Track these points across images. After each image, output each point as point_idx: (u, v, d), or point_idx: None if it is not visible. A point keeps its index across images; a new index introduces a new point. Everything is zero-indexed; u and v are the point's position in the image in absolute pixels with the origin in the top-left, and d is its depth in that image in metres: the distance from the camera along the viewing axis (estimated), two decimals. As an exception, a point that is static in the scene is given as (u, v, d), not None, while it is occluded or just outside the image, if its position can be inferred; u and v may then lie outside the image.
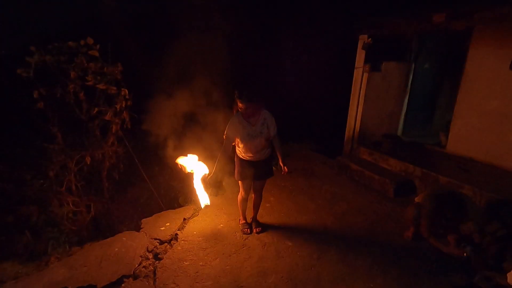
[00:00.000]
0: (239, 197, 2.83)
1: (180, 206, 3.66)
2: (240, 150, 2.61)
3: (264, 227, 2.96)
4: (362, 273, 2.36)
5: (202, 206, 2.80)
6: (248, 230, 2.90)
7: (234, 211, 3.24)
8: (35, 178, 3.75)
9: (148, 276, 2.31)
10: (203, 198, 2.75)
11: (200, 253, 2.60)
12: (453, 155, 4.15)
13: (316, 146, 5.41)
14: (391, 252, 2.62)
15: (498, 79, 3.66)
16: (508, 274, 1.68)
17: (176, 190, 4.23)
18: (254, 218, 2.98)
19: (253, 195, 2.86)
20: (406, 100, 4.99)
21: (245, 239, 2.80)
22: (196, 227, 3.01)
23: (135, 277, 2.32)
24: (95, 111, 3.52)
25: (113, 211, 3.73)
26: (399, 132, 5.07)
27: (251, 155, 2.58)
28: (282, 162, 2.61)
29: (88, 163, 3.61)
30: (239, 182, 2.74)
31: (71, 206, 3.38)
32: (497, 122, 3.74)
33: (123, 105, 3.66)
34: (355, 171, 4.24)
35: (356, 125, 4.74)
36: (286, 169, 2.60)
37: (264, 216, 3.17)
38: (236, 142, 2.57)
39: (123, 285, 2.24)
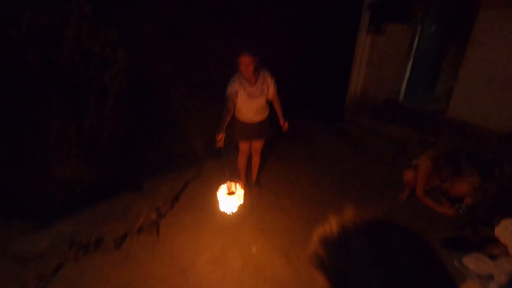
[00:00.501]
0: (239, 158, 2.90)
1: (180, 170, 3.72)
2: (240, 112, 2.61)
3: (263, 187, 3.04)
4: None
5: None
6: (248, 189, 2.99)
7: (235, 175, 3.31)
8: (35, 142, 3.78)
9: (151, 231, 2.42)
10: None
11: (202, 213, 2.69)
12: (453, 121, 4.14)
13: (316, 113, 5.38)
14: (385, 210, 2.72)
15: (505, 42, 3.55)
16: (496, 228, 1.76)
17: (176, 156, 4.28)
18: (255, 179, 3.07)
19: (253, 156, 2.90)
20: (409, 65, 4.86)
21: (245, 200, 2.89)
22: (197, 189, 3.10)
23: (139, 231, 2.43)
24: (91, 75, 3.46)
25: (115, 174, 3.81)
26: (401, 97, 5.00)
27: (250, 116, 2.59)
28: (283, 120, 2.65)
29: (88, 128, 3.62)
30: (239, 143, 2.77)
31: (73, 169, 3.45)
32: (500, 87, 3.69)
33: (120, 68, 3.59)
34: (354, 137, 4.26)
35: (357, 91, 4.68)
36: (287, 126, 2.66)
37: (262, 179, 3.24)
38: (236, 104, 2.56)
39: (128, 238, 2.35)
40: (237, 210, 2.66)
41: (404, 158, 3.75)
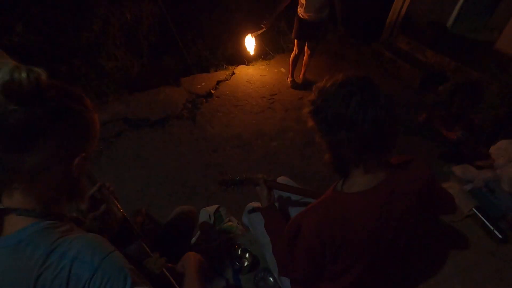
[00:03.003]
0: (292, 55, 3.17)
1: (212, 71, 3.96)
2: (302, 9, 2.76)
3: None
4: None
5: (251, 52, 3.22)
6: (294, 83, 3.39)
7: (263, 79, 3.53)
8: (80, 31, 4.01)
9: (189, 118, 2.85)
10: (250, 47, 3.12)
11: (232, 108, 3.05)
12: (500, 53, 3.90)
13: (354, 31, 5.12)
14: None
15: None
16: (491, 146, 1.98)
17: (207, 60, 4.45)
18: (303, 75, 3.44)
19: (305, 55, 3.19)
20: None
21: (271, 103, 3.18)
22: (228, 89, 3.39)
23: (178, 117, 2.85)
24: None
25: (154, 70, 4.12)
26: (450, 22, 4.62)
27: (311, 14, 2.74)
28: (340, 22, 2.82)
29: (129, 19, 3.77)
30: (295, 40, 3.02)
31: (118, 59, 3.76)
32: None
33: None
34: (387, 59, 4.18)
35: (403, 8, 4.33)
36: (342, 30, 2.85)
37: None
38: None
39: (170, 122, 2.80)
40: (263, 111, 2.98)
41: (434, 87, 3.76)
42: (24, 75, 0.51)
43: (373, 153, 0.78)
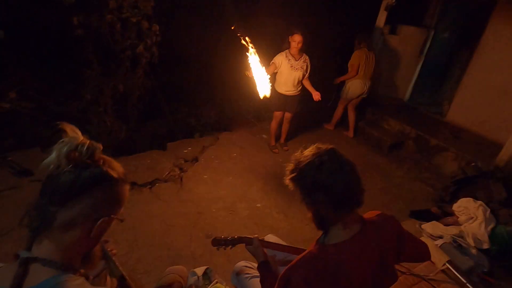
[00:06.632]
0: (273, 124, 3.62)
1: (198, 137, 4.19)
2: (279, 84, 3.26)
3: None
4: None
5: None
6: (277, 150, 3.75)
7: (245, 145, 3.78)
8: (72, 99, 4.25)
9: (175, 181, 2.93)
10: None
11: (217, 172, 3.19)
12: (450, 124, 4.49)
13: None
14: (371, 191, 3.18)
15: (508, 55, 3.86)
16: (454, 204, 2.21)
17: (192, 127, 4.74)
18: (284, 140, 3.85)
19: (283, 123, 3.67)
20: (419, 68, 5.18)
21: (254, 167, 3.37)
22: (214, 153, 3.58)
23: (165, 181, 2.94)
24: (127, 43, 3.88)
25: (141, 135, 4.31)
26: (406, 98, 5.36)
27: (288, 89, 3.25)
28: (314, 92, 3.25)
29: (121, 91, 4.08)
30: (274, 112, 3.50)
31: (108, 124, 3.94)
32: (497, 97, 4.02)
33: (153, 41, 4.01)
34: (358, 127, 4.66)
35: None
36: (319, 95, 3.22)
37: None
38: (277, 76, 3.23)
39: (157, 185, 2.86)
40: (247, 173, 3.15)
41: (399, 151, 4.18)
42: (85, 148, 0.68)
43: (347, 209, 0.94)
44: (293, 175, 0.96)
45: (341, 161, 0.93)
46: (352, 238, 0.93)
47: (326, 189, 0.90)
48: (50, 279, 0.66)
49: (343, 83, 4.21)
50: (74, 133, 0.73)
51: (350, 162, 0.94)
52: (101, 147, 0.74)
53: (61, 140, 0.69)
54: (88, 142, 0.71)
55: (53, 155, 0.68)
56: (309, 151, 0.97)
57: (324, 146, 0.97)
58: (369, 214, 1.05)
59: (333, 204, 0.91)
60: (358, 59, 3.92)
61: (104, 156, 0.75)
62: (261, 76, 2.81)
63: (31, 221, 0.68)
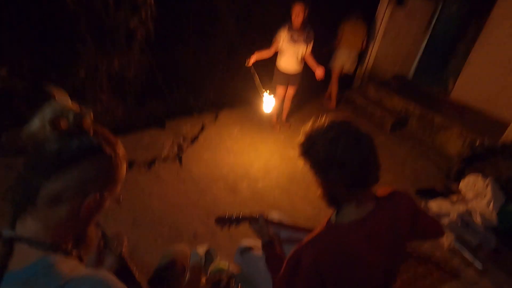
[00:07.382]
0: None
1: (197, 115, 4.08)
2: (280, 61, 3.17)
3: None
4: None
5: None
6: (278, 127, 3.67)
7: (246, 123, 3.70)
8: (66, 77, 4.10)
9: (175, 160, 2.86)
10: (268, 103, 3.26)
11: (217, 150, 3.12)
12: (455, 101, 4.39)
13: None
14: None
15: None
16: (461, 181, 2.16)
17: (191, 105, 4.62)
18: (286, 117, 3.78)
19: (285, 100, 3.58)
20: (424, 43, 4.99)
21: (256, 144, 3.30)
22: (213, 131, 3.49)
23: (164, 159, 2.87)
24: (122, 17, 3.68)
25: (139, 113, 4.19)
26: (411, 75, 5.21)
27: (289, 64, 3.14)
28: (317, 67, 3.12)
29: (117, 67, 3.92)
30: (276, 88, 3.39)
31: (104, 102, 3.82)
32: (504, 74, 3.89)
33: (148, 14, 3.80)
34: (359, 105, 4.56)
35: (370, 62, 4.87)
36: (322, 70, 3.11)
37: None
38: (279, 52, 3.12)
39: (156, 163, 2.80)
40: (248, 151, 3.08)
41: (402, 130, 4.10)
42: (71, 116, 0.59)
43: (362, 187, 0.87)
44: (304, 149, 0.88)
45: (357, 135, 0.83)
46: (366, 217, 0.87)
47: (340, 166, 0.81)
48: (39, 261, 0.59)
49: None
50: (62, 99, 0.64)
51: (367, 135, 0.85)
52: (92, 116, 0.64)
53: (45, 104, 0.60)
54: (76, 108, 0.62)
55: (36, 121, 0.60)
56: (322, 123, 0.87)
57: (339, 118, 0.87)
58: (382, 191, 0.98)
59: (348, 182, 0.83)
60: (342, 29, 4.01)
61: (98, 127, 0.66)
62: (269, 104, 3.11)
63: (13, 195, 0.61)
